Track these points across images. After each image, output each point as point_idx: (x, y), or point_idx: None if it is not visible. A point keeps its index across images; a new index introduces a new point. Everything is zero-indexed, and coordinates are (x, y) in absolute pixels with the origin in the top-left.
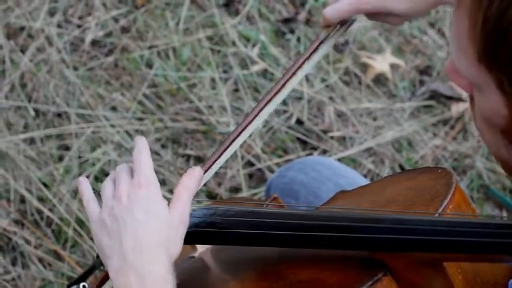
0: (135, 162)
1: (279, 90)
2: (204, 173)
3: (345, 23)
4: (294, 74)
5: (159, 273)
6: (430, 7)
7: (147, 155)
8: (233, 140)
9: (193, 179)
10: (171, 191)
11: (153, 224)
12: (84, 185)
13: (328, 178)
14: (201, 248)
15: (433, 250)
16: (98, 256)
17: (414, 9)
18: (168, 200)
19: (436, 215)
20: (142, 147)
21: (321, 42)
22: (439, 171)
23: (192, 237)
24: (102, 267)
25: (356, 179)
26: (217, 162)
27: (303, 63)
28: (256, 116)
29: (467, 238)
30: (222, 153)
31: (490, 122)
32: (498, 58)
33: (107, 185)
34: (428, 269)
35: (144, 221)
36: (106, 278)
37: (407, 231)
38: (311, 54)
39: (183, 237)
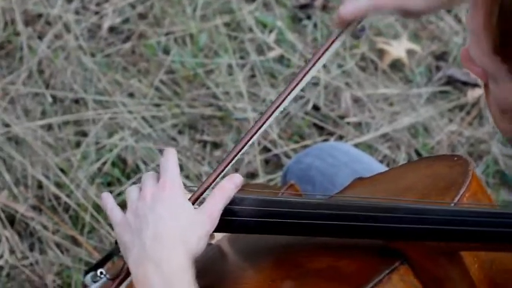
0: (161, 167)
1: (288, 94)
2: (229, 164)
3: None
4: (304, 76)
5: (176, 265)
6: (445, 6)
7: (174, 162)
8: (250, 139)
9: (232, 184)
10: (187, 177)
11: (174, 221)
12: (107, 198)
13: (345, 164)
14: (218, 236)
15: (449, 240)
16: (116, 242)
17: (429, 8)
18: (188, 186)
19: (452, 204)
20: (170, 155)
21: (333, 42)
22: (456, 158)
23: None
24: (120, 254)
25: (372, 165)
26: (238, 155)
27: (313, 65)
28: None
29: (484, 228)
30: (242, 148)
31: (505, 111)
32: None
33: (132, 191)
34: (445, 258)
35: (165, 217)
36: (125, 277)
37: (423, 221)
38: (322, 54)
39: (208, 235)
